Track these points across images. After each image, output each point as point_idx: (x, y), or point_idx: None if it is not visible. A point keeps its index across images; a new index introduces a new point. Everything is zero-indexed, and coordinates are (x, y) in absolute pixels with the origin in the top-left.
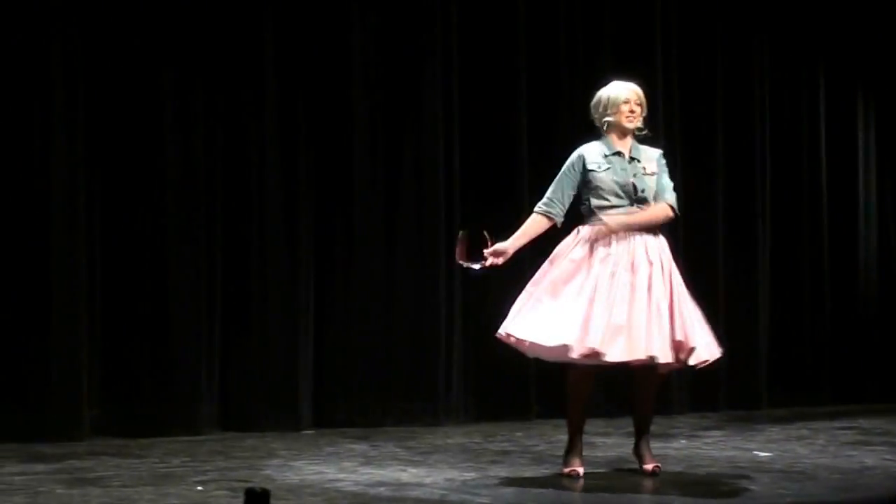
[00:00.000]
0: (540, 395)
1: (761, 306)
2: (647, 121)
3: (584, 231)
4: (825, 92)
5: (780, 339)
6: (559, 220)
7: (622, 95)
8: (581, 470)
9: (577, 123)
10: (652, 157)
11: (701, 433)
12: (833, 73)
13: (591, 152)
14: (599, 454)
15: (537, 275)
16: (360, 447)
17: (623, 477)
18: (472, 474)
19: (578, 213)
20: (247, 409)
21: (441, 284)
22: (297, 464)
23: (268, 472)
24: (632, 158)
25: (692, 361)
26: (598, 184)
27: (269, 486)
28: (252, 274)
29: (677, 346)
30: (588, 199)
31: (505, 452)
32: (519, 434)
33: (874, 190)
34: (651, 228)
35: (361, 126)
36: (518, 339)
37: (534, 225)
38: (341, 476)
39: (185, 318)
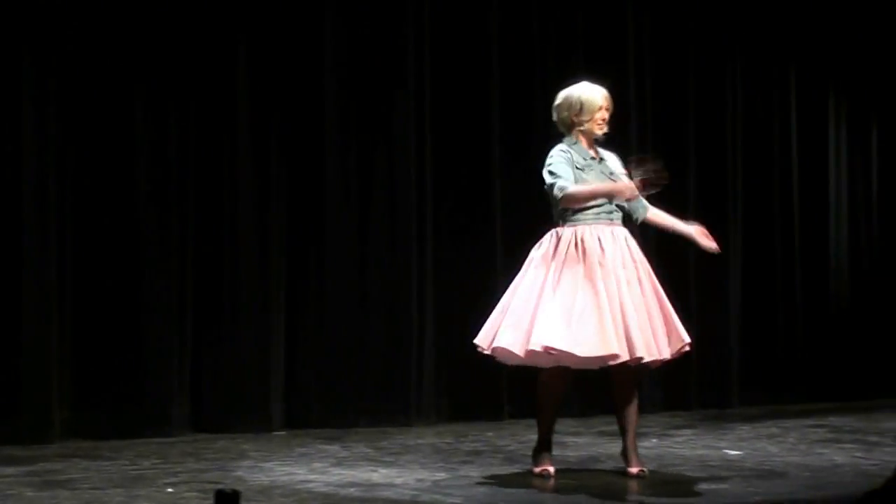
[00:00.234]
0: (511, 396)
1: (732, 305)
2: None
3: (568, 233)
4: (796, 90)
5: (751, 337)
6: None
7: (598, 101)
8: (552, 469)
9: (550, 129)
10: (615, 159)
11: (672, 432)
12: (804, 72)
13: (573, 152)
14: (571, 453)
15: (542, 283)
16: (332, 448)
17: (594, 476)
18: (444, 474)
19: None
20: (218, 411)
21: (413, 285)
22: (267, 465)
23: (239, 473)
24: (600, 159)
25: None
26: (585, 182)
27: (239, 488)
28: (224, 275)
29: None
30: None
31: (476, 452)
32: (490, 434)
33: (845, 188)
34: (627, 227)
35: (333, 129)
36: (558, 349)
37: None
38: (312, 477)
39: (157, 320)
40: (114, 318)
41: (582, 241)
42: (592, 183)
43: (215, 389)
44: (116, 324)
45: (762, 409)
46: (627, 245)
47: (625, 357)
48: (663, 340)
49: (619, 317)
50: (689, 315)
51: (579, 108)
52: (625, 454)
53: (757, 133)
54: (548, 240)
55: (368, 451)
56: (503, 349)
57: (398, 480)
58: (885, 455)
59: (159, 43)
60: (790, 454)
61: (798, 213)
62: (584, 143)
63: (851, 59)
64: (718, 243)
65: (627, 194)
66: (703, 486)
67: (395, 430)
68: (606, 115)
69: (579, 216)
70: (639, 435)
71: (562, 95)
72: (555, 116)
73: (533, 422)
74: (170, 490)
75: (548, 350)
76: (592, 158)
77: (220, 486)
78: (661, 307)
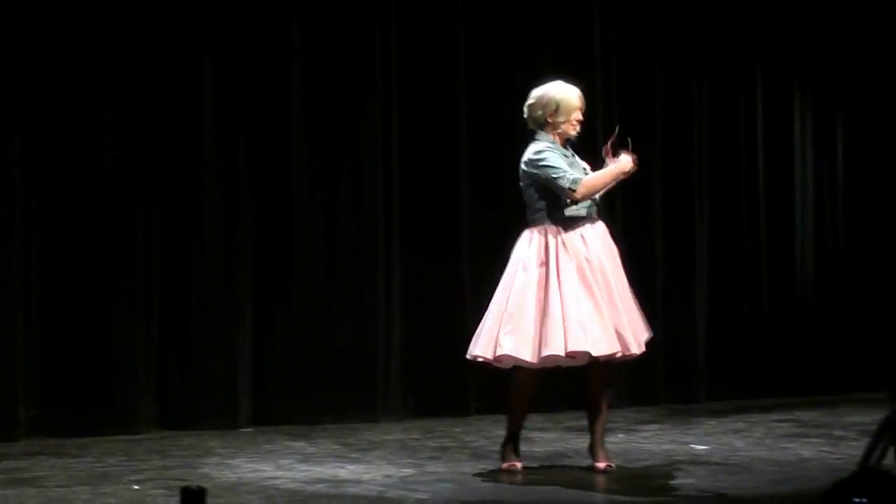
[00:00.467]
0: (479, 392)
1: (699, 299)
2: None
3: (553, 232)
4: (762, 86)
5: (717, 332)
6: None
7: (574, 102)
8: (519, 465)
9: (517, 130)
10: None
11: (639, 427)
12: (769, 68)
13: (555, 150)
14: (538, 449)
15: (541, 286)
16: (299, 444)
17: (562, 472)
18: (411, 470)
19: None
20: (184, 408)
21: (380, 282)
22: (234, 462)
23: (205, 470)
24: (573, 155)
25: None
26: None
27: (206, 485)
28: (190, 274)
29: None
30: (548, 196)
31: (444, 448)
32: (458, 430)
33: (811, 183)
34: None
35: (300, 130)
36: (579, 351)
37: None
38: (279, 474)
39: (123, 318)
40: (80, 315)
41: (569, 240)
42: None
43: (182, 386)
44: (82, 321)
45: (728, 403)
46: (606, 238)
47: (622, 353)
48: (640, 334)
49: (611, 314)
50: (655, 310)
51: (555, 109)
52: (592, 449)
53: (723, 129)
54: (533, 240)
55: (336, 447)
56: (509, 356)
57: (365, 476)
58: (851, 449)
59: (126, 44)
60: (756, 448)
61: (764, 209)
62: (557, 139)
63: (816, 55)
64: (685, 238)
65: (629, 167)
66: (669, 481)
67: (362, 426)
68: (581, 117)
69: (565, 213)
70: (606, 430)
71: (536, 94)
72: (527, 114)
73: (500, 417)
74: (136, 487)
75: (570, 355)
76: (565, 156)
77: (186, 484)
78: (632, 300)
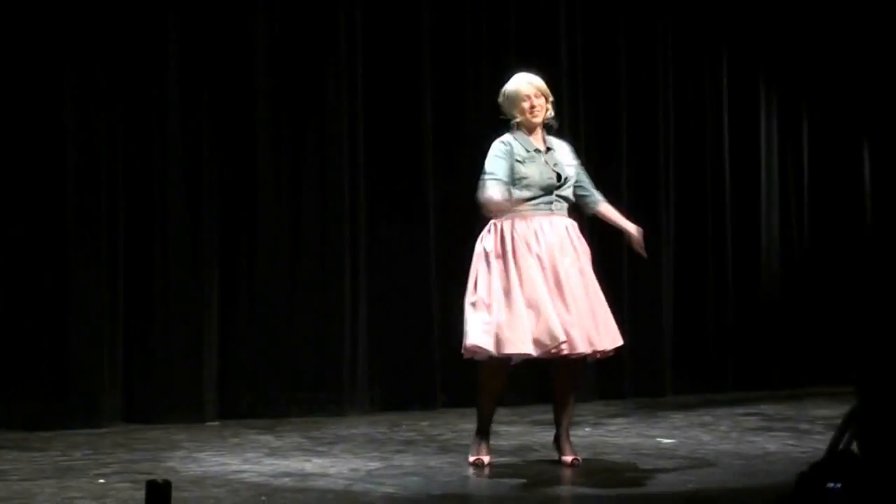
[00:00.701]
0: (445, 385)
1: (665, 294)
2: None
3: (507, 226)
4: (728, 80)
5: (683, 326)
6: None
7: (522, 90)
8: (486, 459)
9: (482, 116)
10: (565, 149)
11: (606, 421)
12: (735, 61)
13: (516, 144)
14: (504, 442)
15: (486, 281)
16: (265, 438)
17: (528, 465)
18: (377, 464)
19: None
20: (150, 401)
21: (346, 275)
22: (200, 455)
23: (171, 463)
24: (548, 149)
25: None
26: (524, 175)
27: (171, 478)
28: (155, 265)
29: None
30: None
31: (410, 442)
32: (424, 423)
33: (776, 178)
34: (570, 215)
35: (265, 124)
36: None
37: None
38: (245, 467)
39: (87, 310)
40: (44, 307)
41: (518, 233)
42: (525, 183)
43: (147, 380)
44: (46, 314)
45: (695, 397)
46: (568, 234)
47: (565, 351)
48: (604, 333)
49: (561, 308)
50: (621, 305)
51: (508, 102)
52: (558, 443)
53: (689, 122)
54: (490, 234)
55: (302, 440)
56: (519, 354)
57: (331, 470)
58: (816, 443)
59: (87, 27)
60: (722, 442)
61: (730, 203)
62: (526, 133)
63: (782, 49)
64: (651, 232)
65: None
66: (636, 475)
67: (328, 419)
68: (535, 102)
69: (519, 208)
70: (572, 424)
71: (502, 90)
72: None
73: (467, 411)
74: (101, 481)
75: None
76: (537, 150)
77: (151, 477)
78: (600, 300)
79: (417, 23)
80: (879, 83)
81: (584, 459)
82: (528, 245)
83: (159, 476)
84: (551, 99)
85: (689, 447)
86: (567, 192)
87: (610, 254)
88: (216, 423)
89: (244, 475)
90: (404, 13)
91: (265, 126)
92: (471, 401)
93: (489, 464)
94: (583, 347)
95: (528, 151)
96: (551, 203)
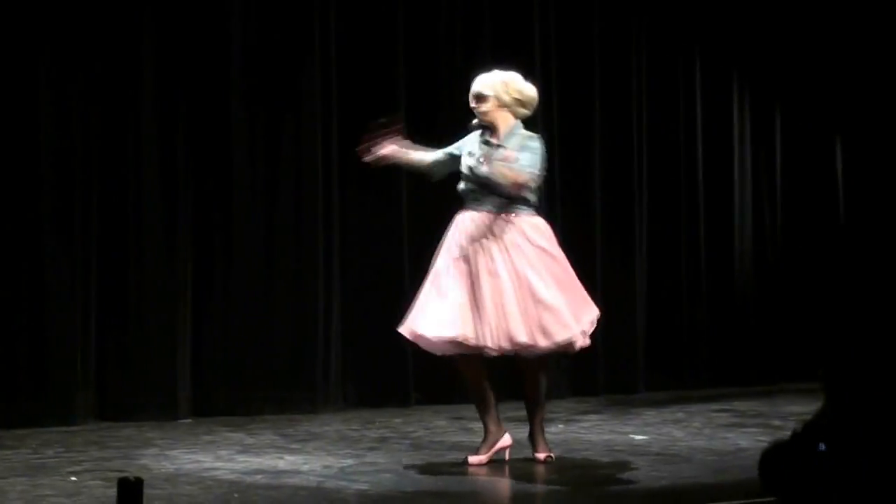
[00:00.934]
0: (419, 383)
1: (638, 290)
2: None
3: (458, 218)
4: (701, 78)
5: (656, 323)
6: (432, 165)
7: (470, 91)
8: (485, 458)
9: (456, 110)
10: (517, 142)
11: (578, 417)
12: (708, 60)
13: (471, 137)
14: (478, 439)
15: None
16: (238, 435)
17: (501, 462)
18: (350, 461)
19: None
20: (122, 399)
21: (320, 272)
22: (173, 453)
23: (144, 461)
24: (498, 146)
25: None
26: (461, 166)
27: (144, 476)
28: (129, 262)
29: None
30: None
31: (383, 439)
32: (398, 421)
33: (749, 176)
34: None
35: (240, 121)
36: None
37: (421, 154)
38: (218, 465)
39: (60, 307)
40: (15, 304)
41: (453, 227)
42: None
43: (120, 377)
44: (18, 310)
45: (668, 394)
46: (493, 232)
47: (469, 344)
48: (538, 330)
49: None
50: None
51: (529, 103)
52: (532, 439)
53: (662, 120)
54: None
55: (275, 438)
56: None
57: (304, 467)
58: None
59: (62, 23)
60: (695, 438)
61: (703, 200)
62: (488, 128)
63: (755, 48)
64: (624, 229)
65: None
66: (609, 471)
67: (301, 417)
68: (473, 102)
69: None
70: (545, 420)
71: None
72: None
73: (440, 408)
74: (74, 479)
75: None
76: (487, 143)
77: (124, 475)
78: (535, 295)
79: (393, 17)
80: (852, 82)
81: (557, 456)
82: (453, 240)
83: (131, 474)
84: (488, 99)
85: (661, 443)
86: (488, 186)
87: (582, 250)
88: (189, 421)
89: (217, 472)
90: (379, 7)
91: (240, 123)
92: (444, 397)
93: (487, 463)
94: (488, 343)
95: (478, 143)
96: (478, 199)
